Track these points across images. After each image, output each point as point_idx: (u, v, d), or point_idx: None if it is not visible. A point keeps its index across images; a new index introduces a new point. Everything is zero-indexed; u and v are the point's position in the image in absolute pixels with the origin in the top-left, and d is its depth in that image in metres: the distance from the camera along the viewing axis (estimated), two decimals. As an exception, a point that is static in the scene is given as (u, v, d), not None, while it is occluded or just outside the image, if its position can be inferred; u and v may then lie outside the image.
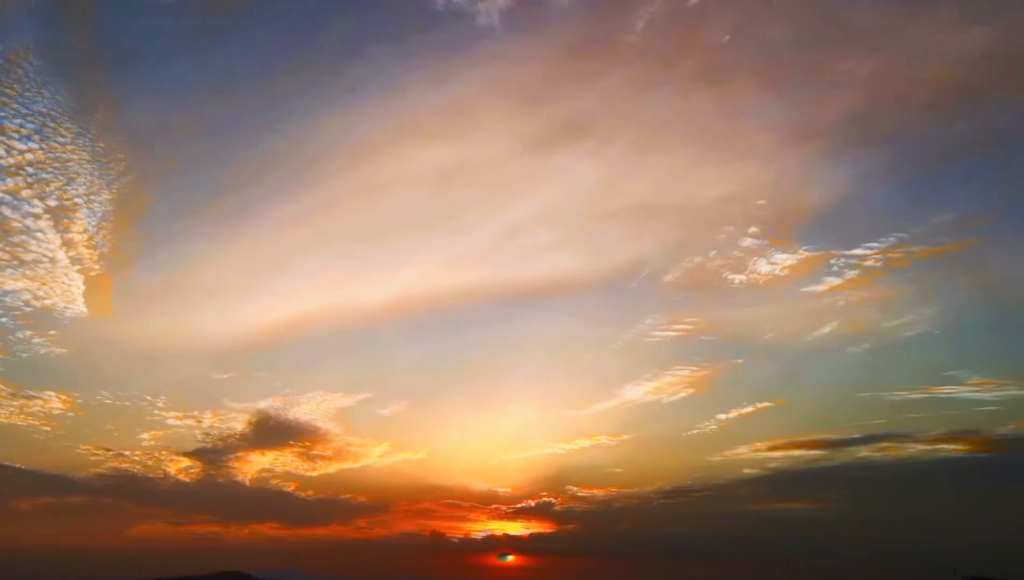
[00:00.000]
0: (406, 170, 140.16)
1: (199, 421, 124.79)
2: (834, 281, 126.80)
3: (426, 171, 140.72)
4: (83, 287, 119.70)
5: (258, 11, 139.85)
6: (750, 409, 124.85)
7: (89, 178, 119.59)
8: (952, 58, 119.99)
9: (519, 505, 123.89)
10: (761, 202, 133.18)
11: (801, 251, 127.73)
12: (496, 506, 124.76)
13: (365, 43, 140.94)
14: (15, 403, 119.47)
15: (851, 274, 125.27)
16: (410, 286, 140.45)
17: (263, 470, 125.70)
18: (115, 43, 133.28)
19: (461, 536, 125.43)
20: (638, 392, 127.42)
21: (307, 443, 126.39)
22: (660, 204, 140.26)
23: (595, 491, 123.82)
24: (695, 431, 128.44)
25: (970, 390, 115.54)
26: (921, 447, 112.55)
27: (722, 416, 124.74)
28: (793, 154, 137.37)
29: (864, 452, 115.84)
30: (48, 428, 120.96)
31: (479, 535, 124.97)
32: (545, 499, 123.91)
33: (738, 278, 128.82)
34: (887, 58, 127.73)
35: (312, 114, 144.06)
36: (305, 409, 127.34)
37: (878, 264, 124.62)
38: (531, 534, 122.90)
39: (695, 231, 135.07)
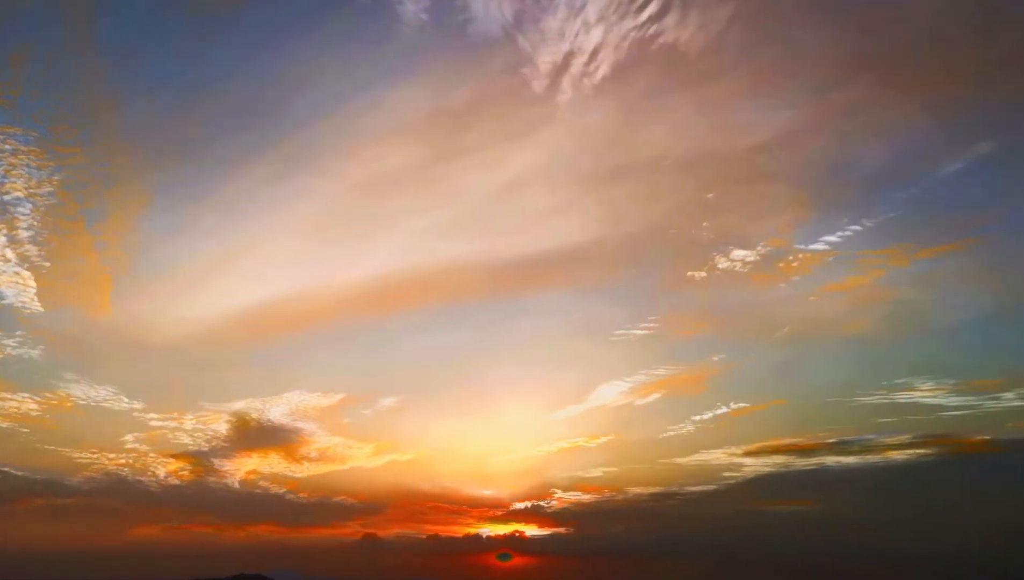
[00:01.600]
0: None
1: (180, 422, 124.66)
2: (832, 279, 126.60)
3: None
4: (35, 285, 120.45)
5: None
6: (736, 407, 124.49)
7: (27, 171, 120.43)
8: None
9: (511, 507, 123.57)
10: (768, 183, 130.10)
11: (799, 248, 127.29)
12: (488, 508, 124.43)
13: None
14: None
15: (848, 273, 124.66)
16: (389, 266, 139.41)
17: (251, 472, 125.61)
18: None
19: (450, 537, 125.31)
20: (617, 392, 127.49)
21: (291, 445, 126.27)
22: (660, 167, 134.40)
23: (586, 492, 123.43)
24: (673, 432, 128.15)
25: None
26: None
27: (703, 416, 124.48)
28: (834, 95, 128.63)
29: (852, 453, 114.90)
30: (27, 430, 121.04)
31: (469, 537, 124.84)
32: (537, 501, 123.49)
33: (738, 275, 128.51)
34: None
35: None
36: (285, 409, 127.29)
37: (878, 264, 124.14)
38: (526, 536, 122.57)
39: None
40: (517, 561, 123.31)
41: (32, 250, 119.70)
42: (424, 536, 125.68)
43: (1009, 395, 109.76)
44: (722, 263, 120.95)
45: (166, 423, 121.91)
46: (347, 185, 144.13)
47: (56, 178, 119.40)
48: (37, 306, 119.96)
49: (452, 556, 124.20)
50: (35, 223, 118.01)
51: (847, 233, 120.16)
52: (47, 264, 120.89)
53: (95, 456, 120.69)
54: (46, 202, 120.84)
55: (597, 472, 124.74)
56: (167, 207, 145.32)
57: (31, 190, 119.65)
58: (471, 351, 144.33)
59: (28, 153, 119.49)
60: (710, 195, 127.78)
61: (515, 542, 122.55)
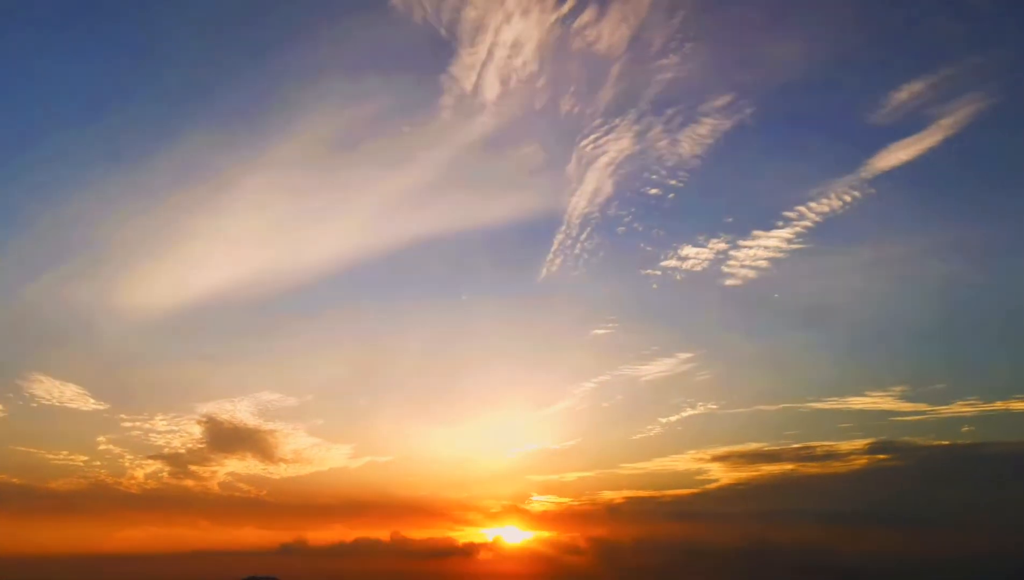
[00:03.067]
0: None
1: (152, 424, 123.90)
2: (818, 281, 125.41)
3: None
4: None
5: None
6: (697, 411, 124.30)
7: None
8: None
9: (491, 510, 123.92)
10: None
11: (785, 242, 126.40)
12: (466, 511, 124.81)
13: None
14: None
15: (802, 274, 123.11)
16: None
17: (230, 474, 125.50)
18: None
19: (428, 539, 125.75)
20: (584, 392, 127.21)
21: (265, 446, 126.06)
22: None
23: (562, 496, 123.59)
24: (642, 435, 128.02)
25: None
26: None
27: (669, 419, 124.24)
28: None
29: (817, 458, 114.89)
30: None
31: (448, 539, 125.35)
32: (517, 503, 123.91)
33: (693, 274, 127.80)
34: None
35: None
36: (255, 409, 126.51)
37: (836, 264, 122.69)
38: (505, 538, 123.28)
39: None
40: (498, 564, 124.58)
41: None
42: (396, 539, 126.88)
43: (960, 402, 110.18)
44: (672, 261, 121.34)
45: (137, 424, 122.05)
46: (309, 147, 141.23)
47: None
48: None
49: (433, 559, 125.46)
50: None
51: (798, 229, 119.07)
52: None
53: (69, 457, 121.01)
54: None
55: (569, 476, 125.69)
56: (113, 178, 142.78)
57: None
58: (446, 345, 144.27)
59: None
60: (654, 191, 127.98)
61: (502, 545, 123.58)
